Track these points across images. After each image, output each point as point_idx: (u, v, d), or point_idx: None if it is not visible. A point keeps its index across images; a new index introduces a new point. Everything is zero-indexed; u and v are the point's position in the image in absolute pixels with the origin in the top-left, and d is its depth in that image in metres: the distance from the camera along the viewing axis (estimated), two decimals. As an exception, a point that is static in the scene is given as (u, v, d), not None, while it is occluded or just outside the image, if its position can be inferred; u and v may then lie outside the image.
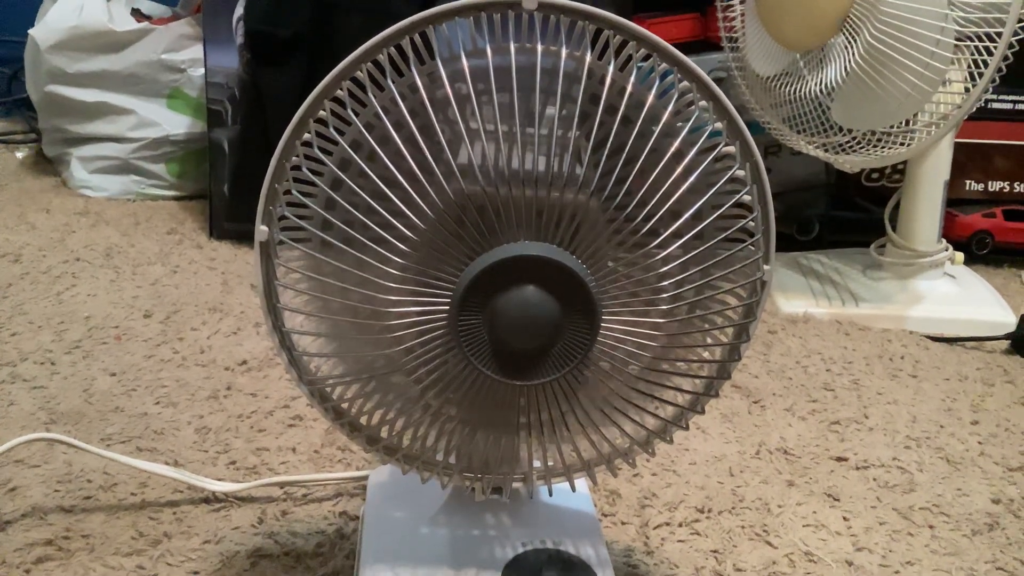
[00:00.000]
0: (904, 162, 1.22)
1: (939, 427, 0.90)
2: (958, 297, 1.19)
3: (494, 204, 0.45)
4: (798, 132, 1.18)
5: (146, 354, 0.94)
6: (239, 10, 1.31)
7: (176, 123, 1.44)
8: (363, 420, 0.51)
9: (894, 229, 1.22)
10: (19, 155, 1.63)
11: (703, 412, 0.51)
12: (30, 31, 1.44)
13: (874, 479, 0.80)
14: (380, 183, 0.43)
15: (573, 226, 0.45)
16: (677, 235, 0.45)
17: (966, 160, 1.44)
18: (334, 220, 0.44)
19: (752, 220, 0.48)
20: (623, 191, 0.45)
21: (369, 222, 0.44)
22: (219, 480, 0.71)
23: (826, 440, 0.86)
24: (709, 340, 0.50)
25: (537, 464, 0.54)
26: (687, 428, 0.51)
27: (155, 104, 1.44)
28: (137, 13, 1.46)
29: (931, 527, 0.74)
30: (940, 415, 0.93)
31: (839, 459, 0.83)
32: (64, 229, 1.30)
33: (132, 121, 1.43)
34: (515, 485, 0.55)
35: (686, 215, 0.46)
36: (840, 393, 0.96)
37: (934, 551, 0.71)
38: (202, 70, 1.39)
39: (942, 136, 1.11)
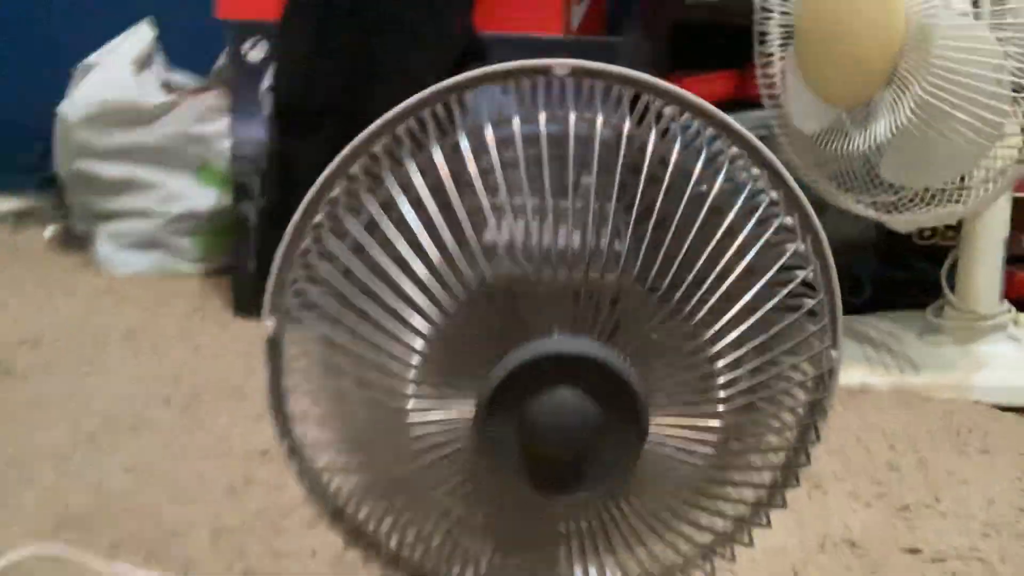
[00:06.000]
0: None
1: (1019, 510, 0.82)
2: (1025, 362, 1.11)
3: (525, 288, 0.40)
4: (846, 190, 1.13)
5: (163, 445, 0.89)
6: (268, 80, 1.29)
7: (204, 197, 1.41)
8: (386, 539, 0.45)
9: (951, 289, 1.15)
10: (47, 233, 1.61)
11: (768, 524, 0.45)
12: (58, 108, 1.43)
13: (953, 574, 0.72)
14: (396, 268, 0.39)
15: (614, 316, 0.40)
16: (733, 324, 0.40)
17: (1021, 214, 1.37)
18: (343, 314, 0.40)
19: (816, 302, 0.42)
20: (670, 273, 0.40)
21: (385, 313, 0.39)
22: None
23: (895, 528, 0.79)
24: (773, 441, 0.44)
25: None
26: (751, 543, 0.45)
27: (184, 178, 1.42)
28: (167, 86, 1.45)
29: (1023, 630, 0.66)
30: (1018, 496, 0.85)
31: (911, 551, 0.76)
32: (87, 310, 1.27)
33: (160, 195, 1.41)
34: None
35: (743, 300, 0.40)
36: (906, 473, 0.89)
37: (1027, 658, 0.63)
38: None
39: (1001, 193, 1.05)
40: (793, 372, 0.43)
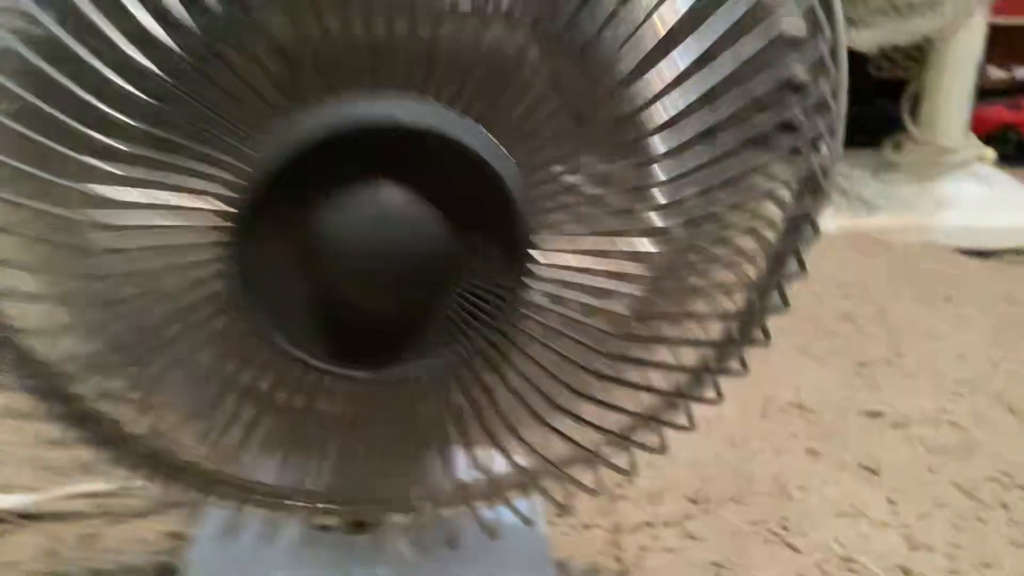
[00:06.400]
0: (920, 47, 1.01)
1: (993, 365, 0.71)
2: (992, 201, 0.99)
3: (317, 40, 0.23)
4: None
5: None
6: None
7: None
8: (133, 427, 0.30)
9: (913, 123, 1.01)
10: None
11: (719, 398, 0.30)
12: None
13: (920, 440, 0.61)
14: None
15: (486, 81, 0.24)
16: (678, 87, 0.24)
17: (986, 42, 1.22)
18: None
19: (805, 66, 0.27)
20: (582, 25, 0.24)
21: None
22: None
23: (852, 389, 0.67)
24: (728, 278, 0.29)
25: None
26: (692, 426, 0.31)
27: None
28: None
29: (1005, 506, 0.55)
30: (991, 349, 0.73)
31: (872, 414, 0.64)
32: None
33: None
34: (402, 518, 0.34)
35: (693, 49, 0.24)
36: (864, 325, 0.76)
37: (1015, 543, 0.52)
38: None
39: (981, 4, 0.90)
40: (763, 177, 0.28)
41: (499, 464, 0.33)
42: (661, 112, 0.25)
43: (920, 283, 0.85)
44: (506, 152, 0.24)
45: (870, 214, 0.98)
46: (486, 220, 0.23)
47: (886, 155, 1.04)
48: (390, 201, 0.22)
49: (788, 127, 0.28)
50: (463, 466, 0.33)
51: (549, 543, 0.42)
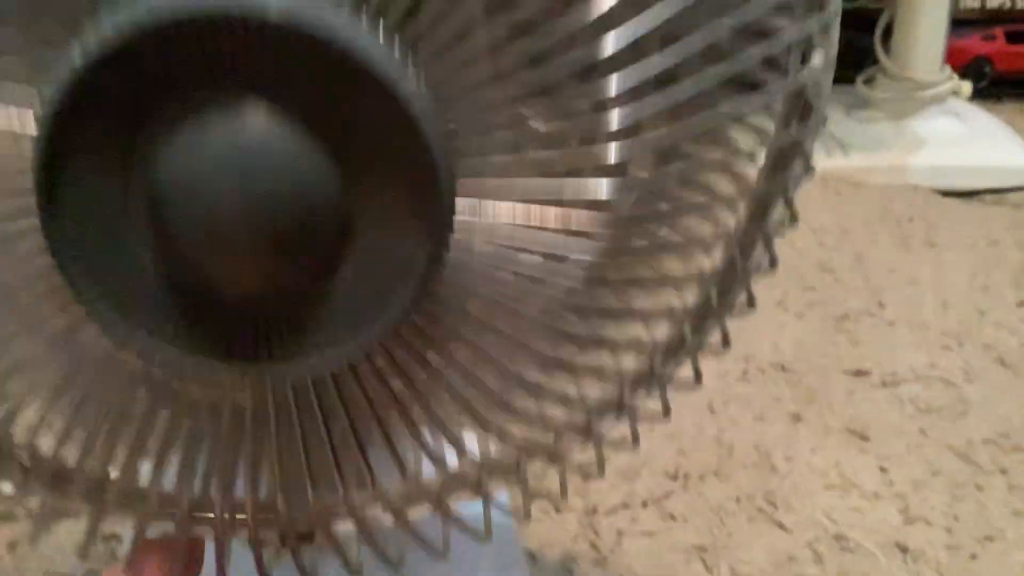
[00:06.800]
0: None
1: (979, 314, 0.66)
2: (968, 138, 0.94)
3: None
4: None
5: None
6: None
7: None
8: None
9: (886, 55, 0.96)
10: None
11: (697, 380, 0.25)
12: None
13: (910, 400, 0.56)
14: None
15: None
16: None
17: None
18: None
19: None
20: None
21: None
22: None
23: (835, 345, 0.62)
24: (704, 229, 0.23)
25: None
26: (667, 415, 0.25)
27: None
28: None
29: (1003, 471, 0.50)
30: (976, 296, 0.69)
31: (857, 372, 0.59)
32: None
33: None
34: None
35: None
36: (842, 275, 0.71)
37: (1017, 511, 0.47)
38: None
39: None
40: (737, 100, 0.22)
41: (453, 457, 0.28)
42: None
43: (898, 227, 0.80)
44: (414, 60, 0.18)
45: (845, 155, 0.93)
46: (390, 161, 0.17)
47: (859, 91, 0.99)
48: (256, 129, 0.16)
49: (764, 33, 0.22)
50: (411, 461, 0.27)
51: (518, 532, 0.37)
